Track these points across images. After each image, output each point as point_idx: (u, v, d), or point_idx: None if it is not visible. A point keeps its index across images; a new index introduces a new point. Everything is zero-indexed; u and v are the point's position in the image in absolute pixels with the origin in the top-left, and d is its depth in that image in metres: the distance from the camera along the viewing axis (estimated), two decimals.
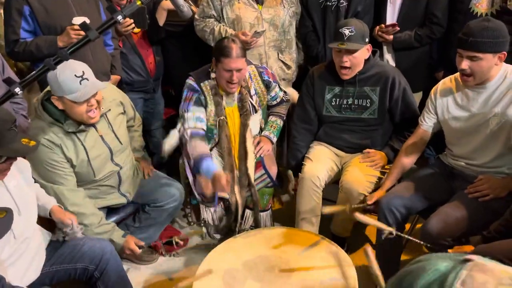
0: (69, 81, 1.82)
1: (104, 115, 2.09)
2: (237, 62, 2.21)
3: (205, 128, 2.36)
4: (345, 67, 2.19)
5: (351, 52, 2.14)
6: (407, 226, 2.33)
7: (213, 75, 2.34)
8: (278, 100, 2.55)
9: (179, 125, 2.39)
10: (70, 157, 1.99)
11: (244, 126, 2.38)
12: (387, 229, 1.76)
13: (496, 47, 1.75)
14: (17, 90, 1.23)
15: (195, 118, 2.33)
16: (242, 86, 2.37)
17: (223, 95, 2.36)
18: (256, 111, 2.44)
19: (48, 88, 1.96)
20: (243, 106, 2.37)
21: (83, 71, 1.85)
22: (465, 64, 1.79)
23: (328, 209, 2.01)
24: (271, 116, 2.56)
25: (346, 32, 2.11)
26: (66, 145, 1.97)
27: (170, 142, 2.39)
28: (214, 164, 2.26)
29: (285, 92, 2.59)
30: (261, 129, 2.55)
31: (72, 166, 2.02)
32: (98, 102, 1.95)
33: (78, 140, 2.00)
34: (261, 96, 2.45)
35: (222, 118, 2.35)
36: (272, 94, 2.52)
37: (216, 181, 2.15)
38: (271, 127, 2.51)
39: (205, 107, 2.36)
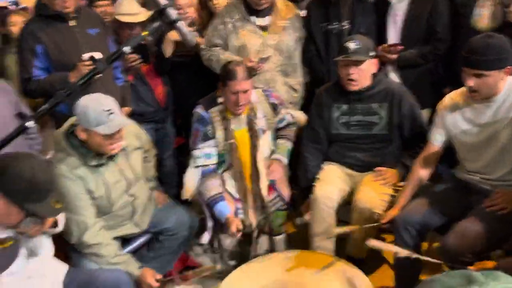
0: (97, 114, 1.87)
1: (123, 148, 2.13)
2: (243, 84, 2.26)
3: (215, 161, 2.40)
4: (352, 79, 2.20)
5: (357, 64, 2.16)
6: (425, 244, 2.30)
7: (220, 99, 2.39)
8: (285, 123, 2.57)
9: (191, 163, 2.43)
10: (91, 189, 2.02)
11: (254, 147, 2.39)
12: (403, 253, 1.73)
13: (501, 63, 1.75)
14: (31, 123, 1.26)
15: (203, 155, 2.38)
16: (249, 108, 2.40)
17: (231, 119, 2.39)
18: (264, 133, 2.45)
19: (71, 121, 2.02)
20: (252, 128, 2.39)
21: (111, 105, 1.91)
22: (471, 82, 1.80)
23: (340, 230, 1.99)
24: (279, 140, 2.56)
25: (351, 45, 2.14)
26: (87, 178, 2.00)
27: (193, 183, 2.41)
28: (226, 207, 2.30)
29: (291, 114, 2.60)
30: (272, 152, 2.54)
31: (92, 198, 2.04)
32: (120, 136, 1.99)
33: (98, 173, 2.03)
34: (269, 118, 2.47)
35: (232, 141, 2.37)
36: (280, 117, 2.54)
37: (228, 225, 2.21)
38: (280, 149, 2.51)
39: (214, 137, 2.39)
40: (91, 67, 2.27)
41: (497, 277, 0.65)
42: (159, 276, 2.07)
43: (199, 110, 2.41)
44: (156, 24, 1.39)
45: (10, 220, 1.54)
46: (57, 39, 2.34)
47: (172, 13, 1.41)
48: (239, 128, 2.41)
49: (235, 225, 2.20)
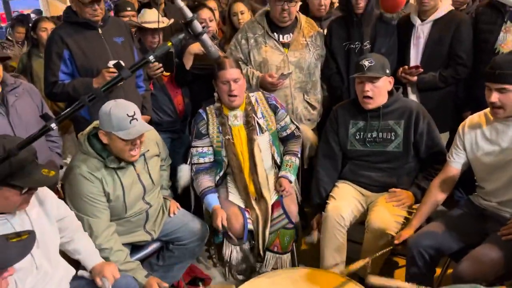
0: (120, 118, 1.91)
1: (143, 154, 2.16)
2: (232, 72, 2.33)
3: (208, 160, 2.48)
4: (368, 97, 2.21)
5: (372, 81, 2.17)
6: (438, 270, 2.25)
7: (216, 95, 2.45)
8: (289, 132, 2.57)
9: (189, 159, 2.52)
10: (108, 191, 2.04)
11: (251, 141, 2.41)
12: (405, 286, 1.68)
13: None
14: (53, 125, 1.29)
15: (198, 154, 2.47)
16: (246, 103, 2.43)
17: (228, 115, 2.42)
18: (263, 132, 2.45)
19: (94, 124, 2.06)
20: (248, 122, 2.42)
21: (134, 111, 1.94)
22: (494, 97, 1.80)
23: (353, 267, 1.94)
24: (285, 156, 2.56)
25: (366, 63, 2.16)
26: (106, 180, 2.03)
27: (184, 177, 2.52)
28: (215, 199, 2.39)
29: (297, 127, 2.61)
30: (274, 159, 2.54)
31: (108, 200, 2.07)
32: (141, 142, 2.03)
33: (117, 176, 2.06)
34: (268, 119, 2.47)
35: (227, 137, 2.40)
36: (282, 124, 2.54)
37: (214, 217, 2.29)
38: (287, 166, 2.50)
39: (207, 133, 2.43)
40: (115, 74, 2.33)
41: None
42: (165, 285, 2.06)
43: (200, 109, 2.49)
44: (181, 36, 1.42)
45: (10, 204, 1.57)
46: (84, 46, 2.42)
47: (198, 25, 1.44)
48: (236, 125, 2.43)
49: (220, 218, 2.28)
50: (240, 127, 2.43)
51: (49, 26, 3.50)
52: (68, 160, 2.87)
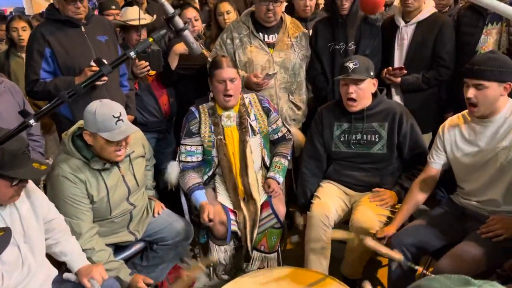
0: (106, 120, 1.88)
1: (128, 155, 2.14)
2: (228, 71, 2.32)
3: (196, 159, 2.47)
4: (352, 99, 2.23)
5: (356, 83, 2.19)
6: (420, 269, 2.27)
7: (211, 94, 2.44)
8: (280, 134, 2.58)
9: (177, 156, 2.52)
10: (92, 193, 2.02)
11: (243, 143, 2.41)
12: (396, 256, 1.79)
13: (501, 76, 1.78)
14: (32, 121, 1.27)
15: (186, 152, 2.47)
16: (240, 104, 2.42)
17: (221, 115, 2.41)
18: (255, 134, 2.45)
19: (78, 124, 2.03)
20: (242, 123, 2.41)
21: (120, 113, 1.92)
22: (471, 93, 1.82)
23: (337, 234, 2.02)
24: (275, 157, 2.56)
25: (350, 65, 2.18)
26: (89, 182, 2.01)
27: (175, 172, 2.50)
28: (202, 195, 2.39)
29: (288, 130, 2.62)
30: (264, 162, 2.55)
31: (92, 202, 2.04)
32: (126, 143, 2.01)
33: (101, 178, 2.04)
34: (261, 122, 2.48)
35: (219, 138, 2.39)
36: (274, 126, 2.55)
37: (201, 212, 2.29)
38: (275, 167, 2.51)
39: (198, 132, 2.42)
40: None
41: (493, 284, 0.67)
42: (150, 281, 2.05)
43: (192, 107, 2.47)
44: (162, 32, 1.41)
45: (0, 195, 1.55)
46: (66, 44, 2.38)
47: (180, 22, 1.43)
48: (229, 125, 2.42)
49: (207, 213, 2.27)
50: (232, 128, 2.42)
51: (20, 25, 3.43)
52: (50, 160, 2.83)
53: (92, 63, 2.30)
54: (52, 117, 2.76)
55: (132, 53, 1.31)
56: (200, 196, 2.39)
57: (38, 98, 2.56)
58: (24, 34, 3.40)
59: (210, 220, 2.29)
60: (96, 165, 2.00)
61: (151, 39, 1.35)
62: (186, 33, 1.45)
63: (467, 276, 0.68)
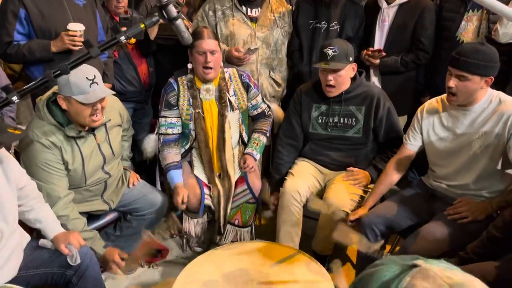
0: (79, 82, 1.84)
1: (104, 124, 2.11)
2: (209, 43, 2.26)
3: (177, 131, 2.44)
4: (330, 85, 2.24)
5: (335, 70, 2.19)
6: (388, 247, 2.36)
7: (190, 66, 2.38)
8: (259, 110, 2.56)
9: (156, 129, 2.48)
10: (67, 160, 1.99)
11: (222, 117, 2.38)
12: (362, 243, 1.87)
13: (485, 70, 1.79)
14: (15, 98, 1.26)
15: (166, 124, 2.43)
16: (220, 78, 2.38)
17: (200, 88, 2.38)
18: (233, 110, 2.43)
19: (53, 89, 1.98)
20: (221, 97, 2.37)
21: (94, 75, 1.88)
22: (452, 82, 1.84)
23: (316, 204, 2.08)
24: (254, 133, 2.56)
25: (330, 52, 2.16)
26: (65, 148, 1.98)
27: (151, 146, 2.49)
28: (178, 175, 2.37)
29: (268, 106, 2.61)
30: (242, 138, 2.55)
31: (67, 169, 2.02)
32: (102, 107, 1.97)
33: (76, 146, 2.01)
34: (240, 98, 2.45)
35: (197, 111, 2.36)
36: (253, 102, 2.52)
37: (175, 194, 2.28)
38: (254, 143, 2.51)
39: (177, 104, 2.39)
40: (75, 38, 2.24)
41: (441, 261, 0.70)
42: (125, 255, 2.06)
43: (171, 79, 2.42)
44: (154, 19, 1.40)
45: None
46: (42, 6, 2.28)
47: (173, 10, 1.41)
48: (208, 99, 2.38)
49: (181, 196, 2.28)
50: (211, 102, 2.38)
51: None
52: (23, 126, 2.76)
53: (69, 27, 2.23)
54: (26, 81, 2.67)
55: (122, 38, 1.31)
56: (176, 177, 2.36)
57: (12, 61, 2.47)
58: None
59: (183, 203, 2.29)
60: (71, 132, 1.96)
61: (142, 25, 1.34)
62: (179, 22, 1.44)
63: (420, 256, 0.70)
